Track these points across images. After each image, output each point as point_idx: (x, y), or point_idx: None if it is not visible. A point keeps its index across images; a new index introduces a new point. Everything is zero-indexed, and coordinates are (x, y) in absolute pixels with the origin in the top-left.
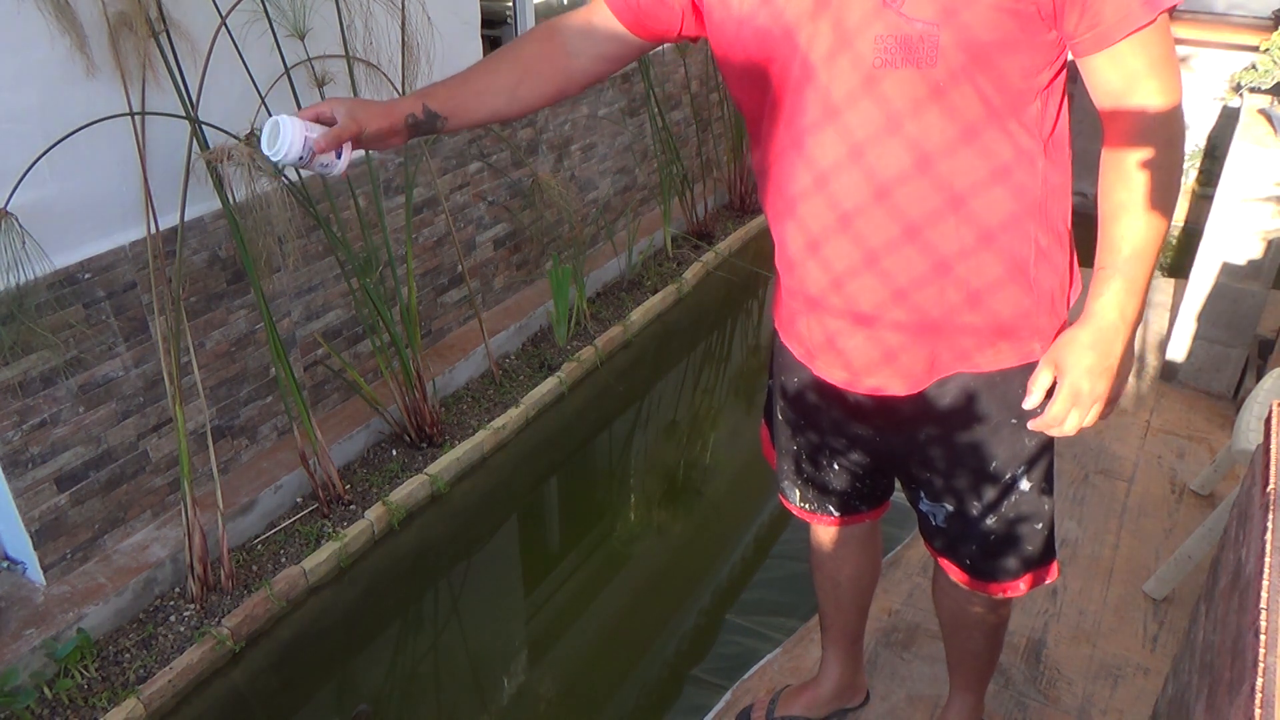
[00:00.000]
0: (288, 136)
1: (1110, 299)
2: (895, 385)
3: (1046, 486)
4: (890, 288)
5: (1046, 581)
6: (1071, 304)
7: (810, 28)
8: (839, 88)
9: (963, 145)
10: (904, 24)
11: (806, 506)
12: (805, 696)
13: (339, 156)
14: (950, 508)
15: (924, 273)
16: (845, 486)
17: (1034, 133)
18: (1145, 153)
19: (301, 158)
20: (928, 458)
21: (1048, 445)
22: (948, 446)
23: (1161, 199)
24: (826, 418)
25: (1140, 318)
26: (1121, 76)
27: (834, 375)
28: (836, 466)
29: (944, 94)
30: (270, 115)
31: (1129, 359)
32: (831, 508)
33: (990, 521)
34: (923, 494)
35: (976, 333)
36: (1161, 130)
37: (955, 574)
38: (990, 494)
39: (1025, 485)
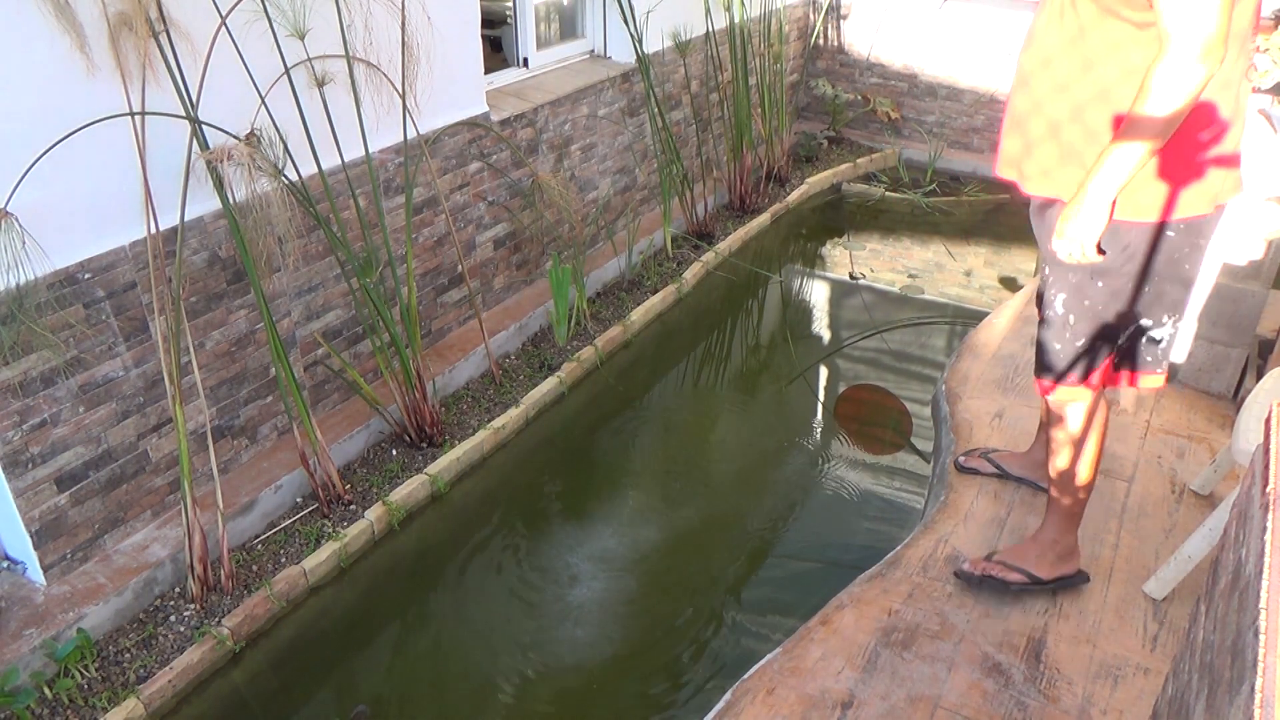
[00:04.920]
0: None
1: (1085, 180)
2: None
3: (1074, 321)
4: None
5: (1048, 395)
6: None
7: None
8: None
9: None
10: None
11: None
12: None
13: None
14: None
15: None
16: None
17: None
18: (1151, 80)
19: None
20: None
21: (1082, 289)
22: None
23: (1145, 125)
24: None
25: (1103, 194)
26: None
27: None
28: None
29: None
30: (270, 115)
31: (1084, 219)
32: None
33: (1040, 325)
34: None
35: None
36: (1163, 67)
37: None
38: (1045, 305)
39: (1060, 308)
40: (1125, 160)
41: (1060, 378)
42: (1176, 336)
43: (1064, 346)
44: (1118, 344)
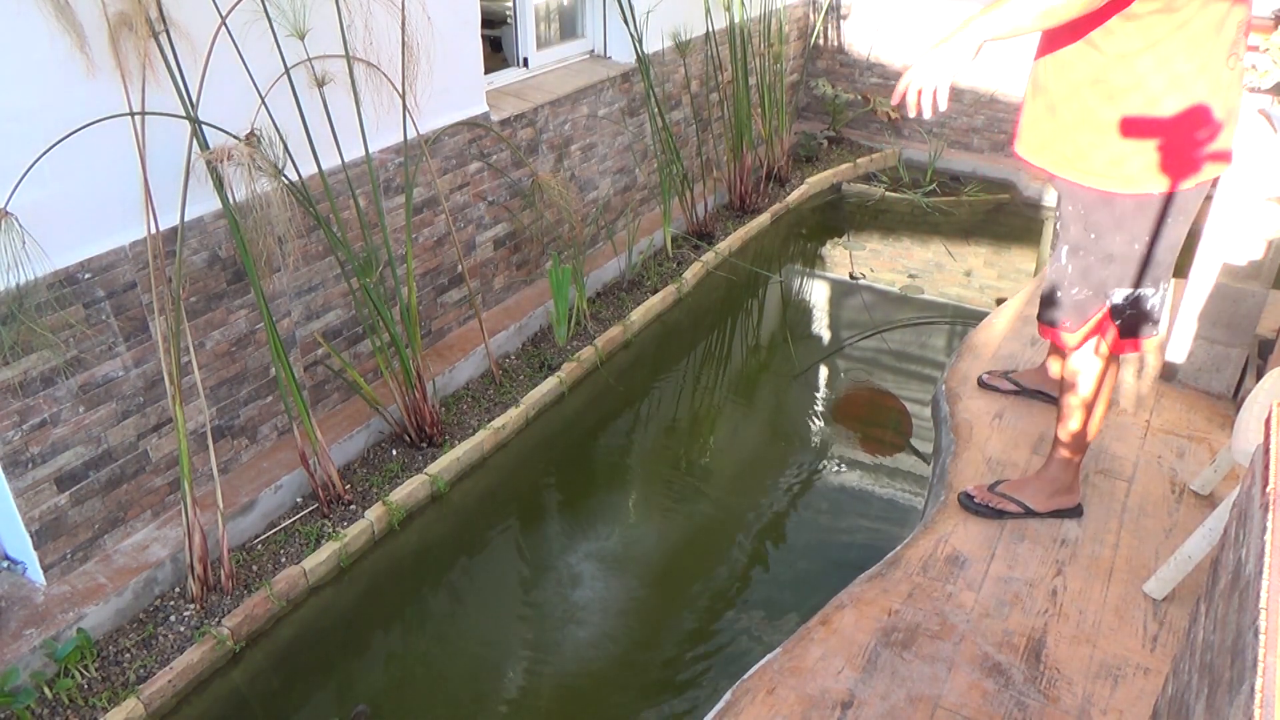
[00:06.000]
0: None
1: (970, 18)
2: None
3: (1079, 276)
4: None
5: (1057, 337)
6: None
7: None
8: None
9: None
10: None
11: None
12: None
13: None
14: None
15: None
16: None
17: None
18: None
19: None
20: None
21: (1084, 249)
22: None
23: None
24: None
25: (977, 33)
26: None
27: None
28: None
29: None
30: (270, 116)
31: (950, 48)
32: None
33: (1049, 270)
34: None
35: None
36: None
37: None
38: (1052, 258)
39: (1064, 258)
40: (1008, 16)
41: (1057, 324)
42: (1165, 299)
43: (1064, 295)
44: (1110, 303)
